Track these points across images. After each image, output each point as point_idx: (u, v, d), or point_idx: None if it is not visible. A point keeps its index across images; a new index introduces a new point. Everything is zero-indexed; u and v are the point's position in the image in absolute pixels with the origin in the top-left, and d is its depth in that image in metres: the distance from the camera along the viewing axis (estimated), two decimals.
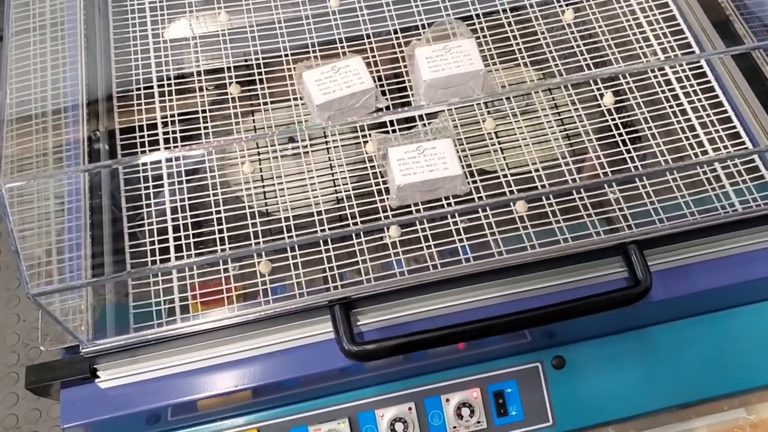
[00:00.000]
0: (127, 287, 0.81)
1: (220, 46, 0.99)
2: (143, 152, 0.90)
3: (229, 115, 0.94)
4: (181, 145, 0.89)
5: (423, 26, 1.00)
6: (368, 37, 1.00)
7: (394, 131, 0.92)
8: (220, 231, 0.84)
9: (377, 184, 0.88)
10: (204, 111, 0.94)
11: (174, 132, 0.93)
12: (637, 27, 0.99)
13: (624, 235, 0.78)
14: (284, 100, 0.96)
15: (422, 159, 0.85)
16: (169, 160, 0.89)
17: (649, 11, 1.00)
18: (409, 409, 0.83)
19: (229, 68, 0.97)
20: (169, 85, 0.96)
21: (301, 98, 0.95)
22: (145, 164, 0.85)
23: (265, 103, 0.95)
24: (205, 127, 0.93)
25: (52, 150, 0.85)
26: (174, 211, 0.85)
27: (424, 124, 0.92)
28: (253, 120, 0.98)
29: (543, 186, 0.88)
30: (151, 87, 0.96)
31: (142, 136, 0.92)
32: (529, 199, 0.87)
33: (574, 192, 0.87)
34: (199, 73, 0.97)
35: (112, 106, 0.95)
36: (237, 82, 0.96)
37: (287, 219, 0.86)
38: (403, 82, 0.96)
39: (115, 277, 0.77)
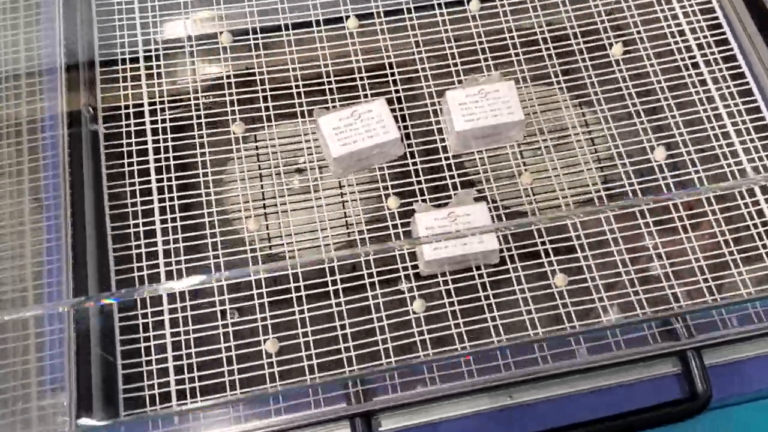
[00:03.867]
0: None
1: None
2: (128, 143, 0.81)
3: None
4: (184, 261, 0.77)
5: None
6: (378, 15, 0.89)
7: (419, 182, 0.82)
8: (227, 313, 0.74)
9: (400, 247, 0.78)
10: (196, 93, 0.86)
11: (163, 119, 0.84)
12: (689, 57, 0.87)
13: (682, 342, 0.69)
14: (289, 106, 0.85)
15: (454, 229, 0.75)
16: (162, 212, 0.79)
17: (706, 48, 0.88)
18: None
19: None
20: (158, 62, 0.86)
21: (313, 134, 0.83)
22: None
23: (267, 114, 0.84)
24: (198, 115, 0.84)
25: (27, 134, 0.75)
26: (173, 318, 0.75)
27: (452, 176, 0.82)
28: (256, 140, 0.87)
29: (585, 257, 0.78)
30: (137, 62, 0.87)
31: (128, 125, 0.83)
32: (569, 271, 0.78)
33: (619, 265, 0.78)
34: (192, 53, 0.88)
35: (94, 81, 0.85)
36: (241, 119, 0.84)
37: (297, 289, 0.76)
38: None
39: None
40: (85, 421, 0.70)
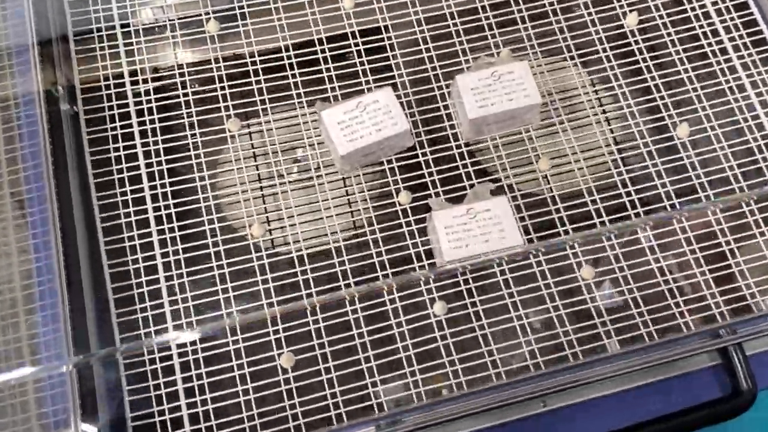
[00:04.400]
0: None
1: None
2: (116, 148, 0.76)
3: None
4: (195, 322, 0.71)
5: None
6: None
7: (430, 174, 0.77)
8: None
9: (414, 245, 0.74)
10: (185, 88, 0.80)
11: (152, 119, 0.77)
12: (707, 24, 0.82)
13: (724, 340, 0.65)
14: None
15: (474, 226, 0.70)
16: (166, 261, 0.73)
17: (725, 13, 0.83)
18: None
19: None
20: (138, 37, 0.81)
21: (313, 121, 0.78)
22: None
23: (264, 108, 0.79)
24: (189, 114, 0.78)
25: None
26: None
27: (465, 165, 0.77)
28: (251, 138, 0.81)
29: (612, 246, 0.74)
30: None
31: (114, 128, 0.77)
32: (595, 262, 0.74)
33: (648, 252, 0.74)
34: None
35: (69, 56, 0.80)
36: (236, 115, 0.78)
37: (309, 295, 0.71)
38: None
39: None
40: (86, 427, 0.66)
